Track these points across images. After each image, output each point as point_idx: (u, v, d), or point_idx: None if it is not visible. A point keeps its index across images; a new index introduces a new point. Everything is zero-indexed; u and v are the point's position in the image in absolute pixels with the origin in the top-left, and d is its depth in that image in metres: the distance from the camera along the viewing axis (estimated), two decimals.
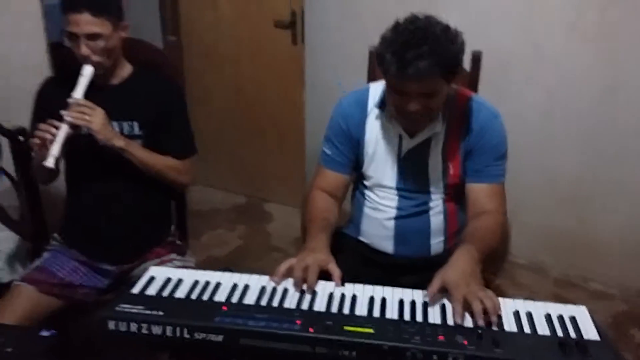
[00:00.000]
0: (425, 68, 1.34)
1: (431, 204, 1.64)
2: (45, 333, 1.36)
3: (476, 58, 1.86)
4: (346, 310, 1.25)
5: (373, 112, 1.61)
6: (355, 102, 1.64)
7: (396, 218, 1.65)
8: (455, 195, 1.66)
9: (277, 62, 3.05)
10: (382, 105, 1.58)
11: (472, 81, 1.87)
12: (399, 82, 1.41)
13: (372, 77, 1.87)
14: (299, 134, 3.11)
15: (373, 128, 1.61)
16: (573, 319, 1.25)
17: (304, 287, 1.32)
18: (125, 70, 1.76)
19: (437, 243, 1.67)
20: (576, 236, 2.62)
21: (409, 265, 1.66)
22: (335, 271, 1.36)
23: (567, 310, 1.28)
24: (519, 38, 2.45)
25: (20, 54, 2.45)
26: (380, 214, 1.66)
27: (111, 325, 1.20)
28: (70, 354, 1.35)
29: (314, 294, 1.31)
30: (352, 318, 1.22)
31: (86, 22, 1.56)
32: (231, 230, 3.05)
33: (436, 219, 1.65)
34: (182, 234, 1.97)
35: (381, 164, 1.63)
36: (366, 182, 1.69)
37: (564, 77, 2.43)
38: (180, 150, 1.79)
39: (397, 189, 1.64)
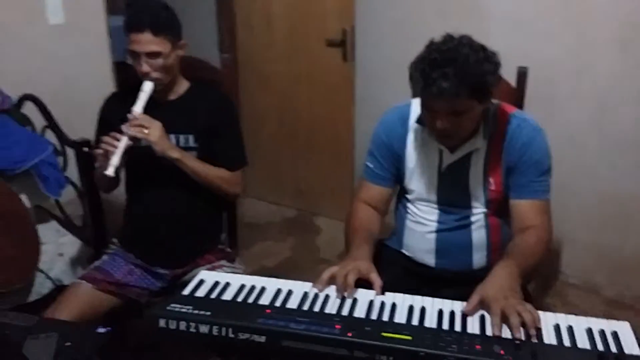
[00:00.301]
0: (449, 88, 1.37)
1: (472, 218, 1.65)
2: (101, 330, 1.46)
3: (522, 74, 1.87)
4: (385, 317, 1.28)
5: (414, 126, 1.64)
6: (398, 117, 1.68)
7: (437, 231, 1.67)
8: (498, 210, 1.66)
9: (328, 79, 3.13)
10: (422, 120, 1.62)
11: (518, 97, 1.87)
12: (426, 100, 1.46)
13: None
14: (348, 149, 3.17)
15: (414, 142, 1.65)
16: (615, 334, 1.24)
17: (345, 294, 1.36)
18: (182, 86, 1.86)
19: (479, 257, 1.68)
20: (631, 256, 2.54)
21: (450, 278, 1.67)
22: (377, 280, 1.40)
23: (609, 325, 1.27)
24: (567, 54, 2.44)
25: (87, 72, 2.62)
26: (421, 227, 1.69)
27: (162, 323, 1.27)
28: (124, 350, 1.44)
29: (354, 301, 1.35)
30: (391, 325, 1.25)
31: (147, 41, 1.67)
32: (281, 242, 3.13)
33: (478, 233, 1.66)
34: (232, 242, 2.05)
35: (422, 177, 1.66)
36: (408, 196, 1.72)
37: (613, 92, 2.39)
38: (232, 162, 1.87)
39: (438, 202, 1.66)
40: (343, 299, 1.36)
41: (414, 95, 1.53)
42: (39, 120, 2.29)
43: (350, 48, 2.99)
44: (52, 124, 2.24)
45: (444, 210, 1.66)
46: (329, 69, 3.09)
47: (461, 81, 1.38)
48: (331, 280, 1.40)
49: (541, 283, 2.67)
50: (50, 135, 2.26)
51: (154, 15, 1.70)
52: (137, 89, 1.74)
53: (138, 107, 1.71)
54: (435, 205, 1.67)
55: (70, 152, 2.23)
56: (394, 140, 1.66)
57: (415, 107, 1.65)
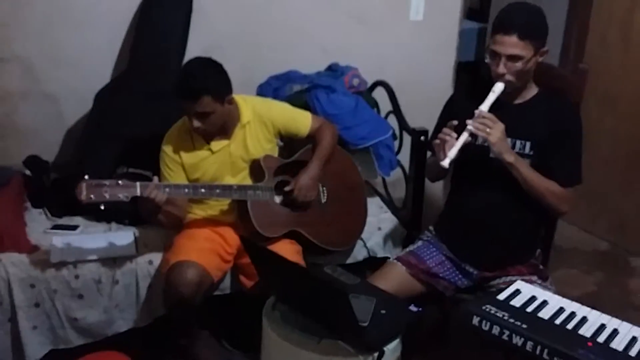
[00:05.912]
0: None
1: None
2: (413, 308, 1.56)
3: None
4: None
5: None
6: None
7: None
8: None
9: None
10: None
11: None
12: None
13: None
14: None
15: None
16: None
17: None
18: (531, 91, 1.81)
19: None
20: None
21: None
22: None
23: None
24: None
25: (432, 65, 2.82)
26: None
27: (475, 321, 1.30)
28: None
29: None
30: None
31: (511, 44, 1.66)
32: (587, 274, 2.87)
33: None
34: (544, 260, 1.95)
35: None
36: None
37: None
38: (566, 177, 1.77)
39: None
40: None
41: None
42: (385, 105, 2.53)
43: None
44: (396, 110, 2.44)
45: None
46: None
47: None
48: None
49: None
50: (392, 120, 2.46)
51: (525, 20, 1.68)
52: (485, 88, 1.75)
53: (485, 106, 1.72)
54: None
55: (406, 138, 2.40)
56: None
57: None
